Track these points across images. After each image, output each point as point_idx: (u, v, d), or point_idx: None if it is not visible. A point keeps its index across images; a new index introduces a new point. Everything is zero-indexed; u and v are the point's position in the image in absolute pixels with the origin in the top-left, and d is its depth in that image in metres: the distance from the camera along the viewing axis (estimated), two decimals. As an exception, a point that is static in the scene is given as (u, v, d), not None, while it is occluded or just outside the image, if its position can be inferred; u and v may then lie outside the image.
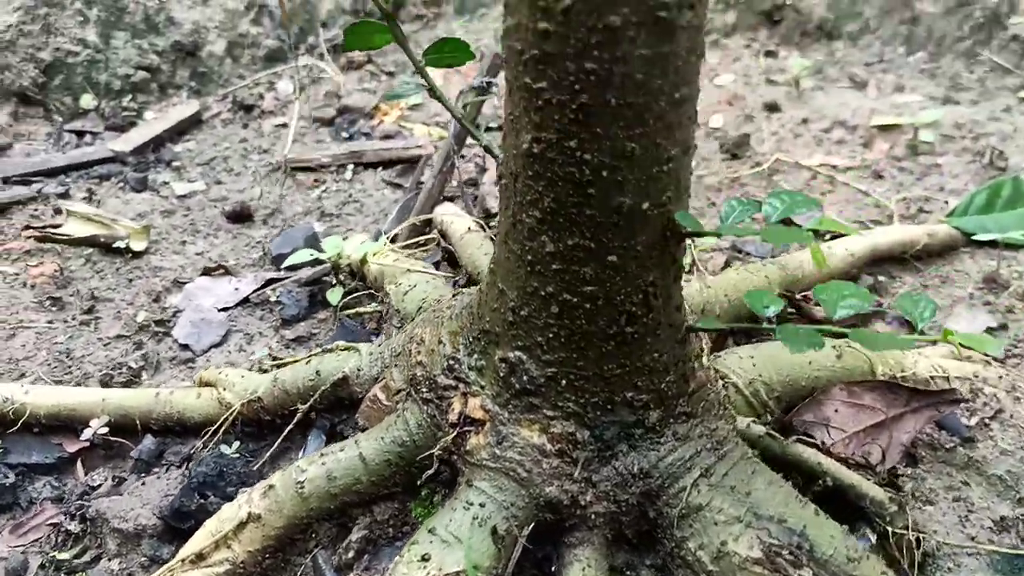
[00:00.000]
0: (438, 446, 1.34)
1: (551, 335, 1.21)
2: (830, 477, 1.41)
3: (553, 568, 1.31)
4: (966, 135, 2.76)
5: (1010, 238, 2.13)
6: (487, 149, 1.31)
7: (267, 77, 3.26)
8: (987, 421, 1.64)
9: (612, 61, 0.98)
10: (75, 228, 2.30)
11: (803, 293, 1.91)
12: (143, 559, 1.44)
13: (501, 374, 1.29)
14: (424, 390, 1.38)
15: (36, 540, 1.48)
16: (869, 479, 1.43)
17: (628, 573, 1.33)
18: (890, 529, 1.38)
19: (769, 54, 3.49)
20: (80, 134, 2.91)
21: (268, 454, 1.58)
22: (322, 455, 1.39)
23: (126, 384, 1.79)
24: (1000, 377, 1.76)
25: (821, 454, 1.43)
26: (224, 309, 2.06)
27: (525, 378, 1.26)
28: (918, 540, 1.39)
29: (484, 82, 2.20)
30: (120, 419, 1.61)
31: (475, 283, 1.87)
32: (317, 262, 2.08)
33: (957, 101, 3.00)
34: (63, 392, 1.62)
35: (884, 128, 2.84)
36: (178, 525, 1.44)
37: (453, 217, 2.12)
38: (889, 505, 1.39)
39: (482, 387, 1.32)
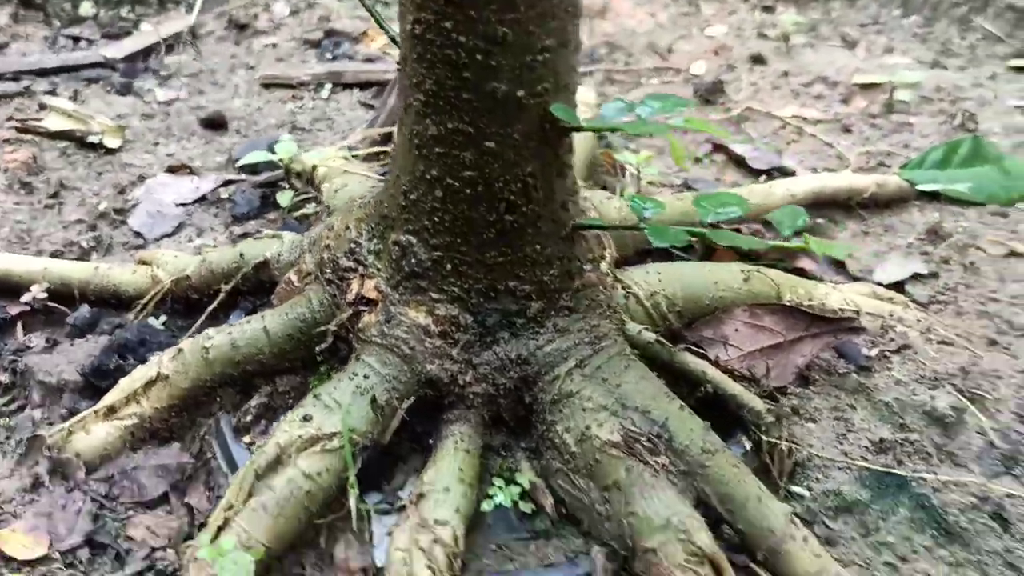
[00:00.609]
0: (333, 322, 1.42)
1: (436, 219, 1.28)
2: (712, 385, 1.46)
3: (432, 440, 1.38)
4: (944, 98, 2.76)
5: (951, 190, 2.15)
6: (392, 39, 1.37)
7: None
8: (888, 354, 1.69)
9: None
10: (54, 122, 2.39)
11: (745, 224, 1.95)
12: (63, 411, 1.54)
13: (394, 257, 1.36)
14: (328, 271, 1.46)
15: (-33, 392, 1.58)
16: (751, 391, 1.49)
17: (504, 453, 1.41)
18: (765, 438, 1.44)
19: (767, 9, 3.49)
20: (76, 40, 3.00)
21: (192, 329, 1.66)
22: (230, 326, 1.48)
23: (76, 259, 1.89)
24: (918, 320, 1.80)
25: (707, 364, 1.49)
26: (182, 205, 2.14)
27: (414, 261, 1.33)
28: (790, 450, 1.45)
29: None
30: (60, 288, 1.70)
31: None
32: (273, 166, 2.15)
33: (945, 66, 2.99)
34: (9, 259, 1.72)
35: (865, 86, 2.84)
36: (97, 382, 1.54)
37: (409, 133, 2.18)
38: (766, 416, 1.45)
39: (378, 270, 1.40)
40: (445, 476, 1.29)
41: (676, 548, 1.20)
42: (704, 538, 1.22)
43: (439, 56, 1.13)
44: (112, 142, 2.36)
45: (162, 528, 1.36)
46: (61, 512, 1.38)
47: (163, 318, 1.69)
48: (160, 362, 1.46)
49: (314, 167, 2.05)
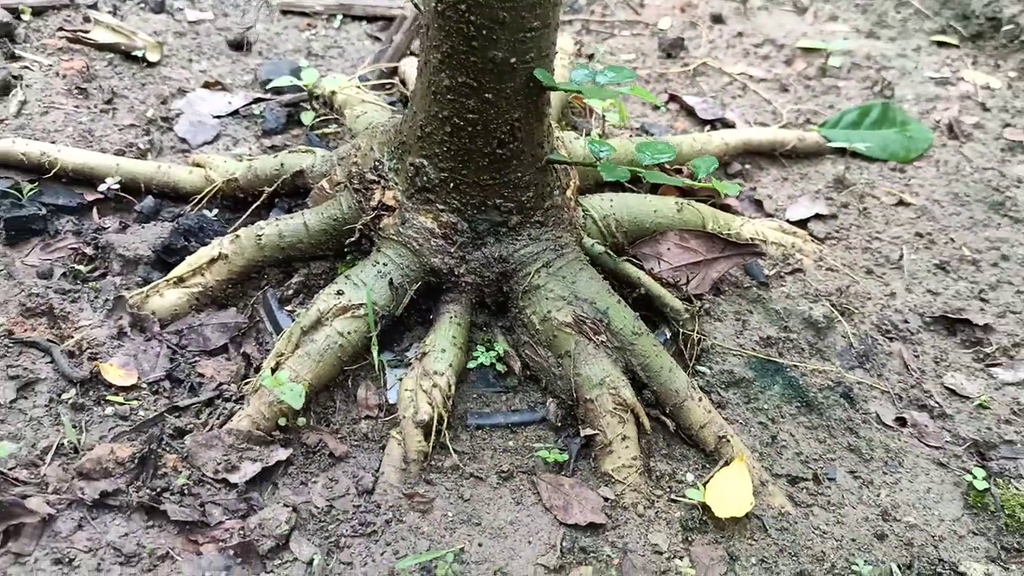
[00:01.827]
0: (360, 222, 1.85)
1: (445, 148, 1.70)
2: (645, 288, 1.93)
3: (432, 316, 1.84)
4: (872, 66, 3.19)
5: (857, 147, 2.61)
6: (415, 5, 1.76)
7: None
8: (784, 275, 2.16)
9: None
10: (101, 35, 2.74)
11: (676, 166, 2.40)
12: (138, 279, 1.96)
13: (409, 175, 1.78)
14: (356, 182, 1.88)
15: (60, 258, 1.99)
16: (674, 295, 1.96)
17: (485, 329, 1.87)
18: (681, 331, 1.92)
19: (733, -30, 3.87)
20: (108, -45, 3.30)
21: (240, 221, 2.09)
22: (277, 220, 1.90)
23: (138, 157, 2.28)
24: (813, 251, 2.28)
25: (642, 272, 1.95)
26: (218, 117, 2.53)
27: (425, 178, 1.76)
28: (699, 340, 1.92)
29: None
30: (129, 181, 2.10)
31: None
32: (296, 88, 2.54)
33: (878, 36, 3.41)
34: (87, 154, 2.11)
35: (806, 50, 3.27)
36: (166, 258, 1.96)
37: (413, 69, 2.58)
38: (683, 313, 1.92)
39: (396, 183, 1.82)
40: (442, 340, 1.75)
41: (607, 399, 1.68)
42: (628, 394, 1.70)
43: (455, 29, 1.53)
44: (153, 56, 2.72)
45: (224, 369, 1.80)
46: (143, 355, 1.81)
47: (215, 211, 2.10)
48: (221, 244, 1.89)
49: (332, 92, 2.44)
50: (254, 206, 2.08)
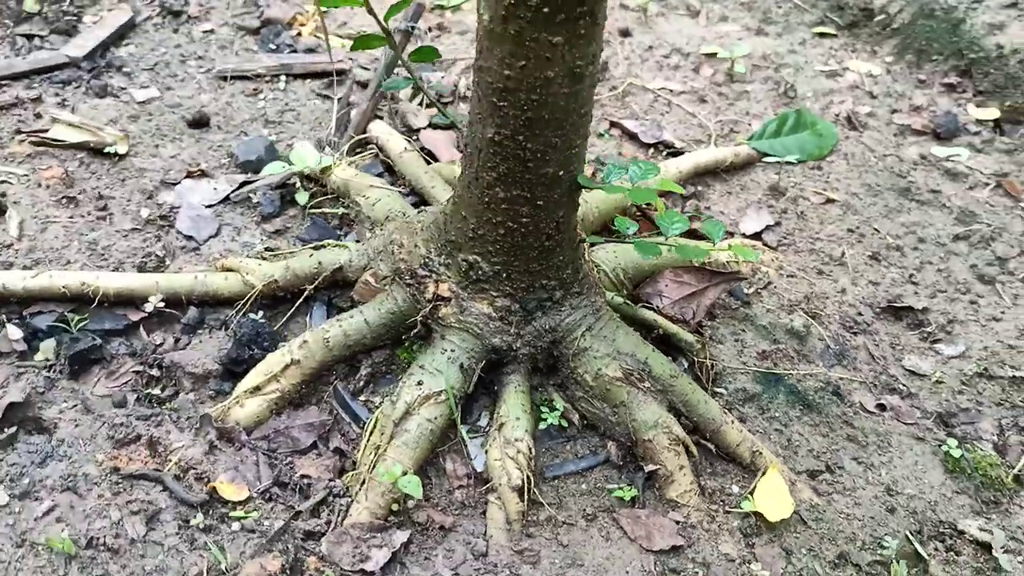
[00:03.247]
0: (420, 314, 2.06)
1: (498, 246, 1.94)
2: (661, 328, 2.24)
3: (496, 388, 2.09)
4: (769, 65, 3.58)
5: (780, 154, 2.99)
6: (455, 126, 1.97)
7: (188, -19, 3.64)
8: (760, 291, 2.52)
9: (547, 94, 1.66)
10: (64, 134, 2.76)
11: (647, 204, 2.70)
12: (211, 392, 2.11)
13: (463, 269, 2.01)
14: (407, 278, 2.09)
15: (127, 383, 2.11)
16: (685, 329, 2.28)
17: (540, 389, 2.14)
18: (696, 359, 2.25)
19: (622, -23, 4.16)
20: (30, 37, 3.25)
21: (284, 319, 2.25)
22: (338, 320, 2.09)
23: (156, 268, 2.38)
24: (773, 260, 2.64)
25: (657, 314, 2.26)
26: (210, 206, 2.64)
27: (480, 272, 1.99)
28: (712, 365, 2.26)
29: (408, 26, 2.78)
30: (170, 296, 2.22)
31: (417, 194, 2.55)
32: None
33: (766, 33, 3.81)
34: (126, 277, 2.20)
35: (709, 56, 3.62)
36: (234, 369, 2.11)
37: (388, 135, 2.76)
38: (696, 345, 2.25)
39: (448, 276, 2.05)
40: (514, 409, 2.01)
41: (663, 438, 2.00)
42: (678, 430, 2.02)
43: (511, 153, 1.76)
44: (122, 148, 2.77)
45: (321, 466, 2.00)
46: (243, 466, 1.99)
47: (260, 312, 2.26)
48: (291, 350, 2.06)
49: (323, 171, 2.59)
50: (297, 303, 2.24)
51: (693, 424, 2.08)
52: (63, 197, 2.58)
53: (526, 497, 1.93)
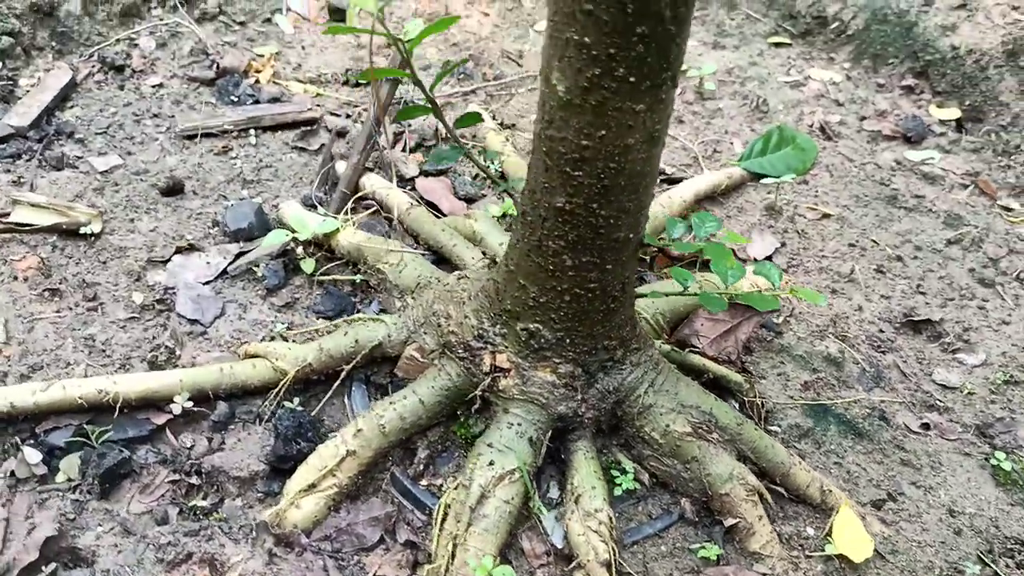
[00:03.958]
0: (479, 388, 1.97)
1: (562, 314, 1.86)
2: (710, 372, 2.21)
3: (563, 456, 2.01)
4: (735, 80, 3.60)
5: (769, 172, 2.99)
6: (509, 193, 1.88)
7: (127, 34, 3.40)
8: (788, 319, 2.52)
9: (626, 161, 1.60)
10: (30, 216, 2.53)
11: (661, 236, 2.66)
12: (259, 495, 1.96)
13: (522, 338, 1.92)
14: (460, 351, 1.99)
15: (163, 495, 1.94)
16: (731, 369, 2.25)
17: (604, 451, 2.07)
18: (745, 399, 2.22)
19: None
20: (-35, 108, 2.98)
21: (321, 404, 2.12)
22: (391, 403, 1.97)
23: (168, 361, 2.21)
24: (786, 282, 2.64)
25: (704, 358, 2.22)
26: (207, 283, 2.46)
27: (542, 340, 1.91)
28: (762, 403, 2.24)
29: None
30: (195, 393, 2.06)
31: (434, 252, 2.43)
32: (263, 231, 2.54)
33: (724, 46, 3.83)
34: (147, 377, 2.03)
35: (675, 73, 3.61)
36: (281, 467, 1.97)
37: (387, 190, 2.64)
38: (744, 384, 2.22)
39: (506, 347, 1.96)
40: (588, 478, 1.94)
41: (739, 489, 1.96)
42: (752, 479, 1.98)
43: (583, 221, 1.69)
44: (96, 227, 2.56)
45: (395, 563, 1.88)
46: (310, 573, 1.85)
47: (296, 400, 2.11)
48: (345, 441, 1.94)
49: (327, 235, 2.45)
50: (334, 385, 2.11)
51: (761, 470, 2.05)
52: (44, 289, 2.36)
53: (614, 570, 1.86)
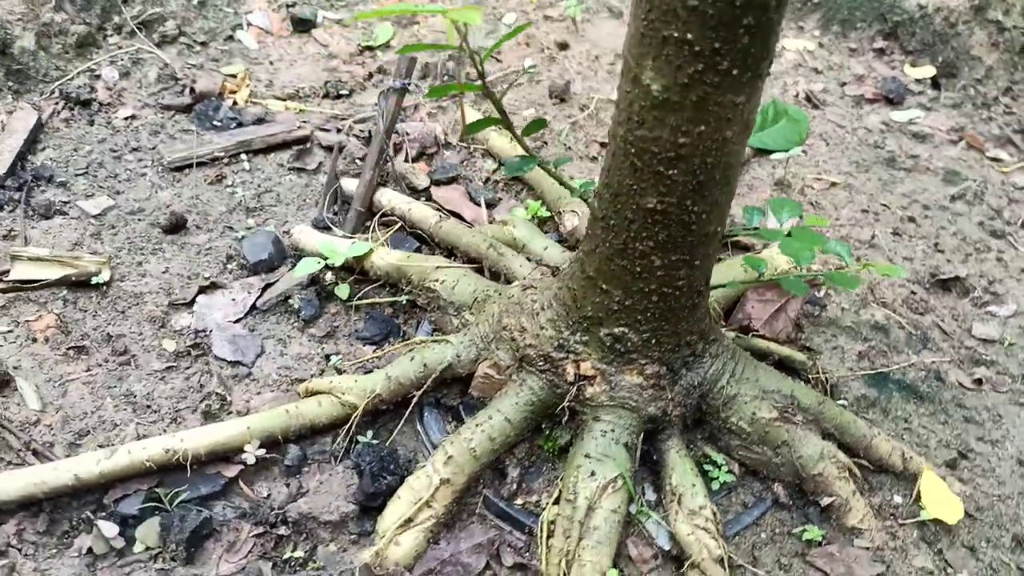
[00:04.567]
0: (566, 399, 1.92)
1: (649, 314, 1.82)
2: (774, 354, 2.20)
3: (655, 457, 1.98)
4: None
5: (768, 146, 3.01)
6: (586, 200, 1.83)
7: (87, 66, 3.20)
8: (829, 292, 2.53)
9: (723, 154, 1.56)
10: (33, 271, 2.36)
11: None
12: (351, 537, 1.88)
13: (607, 343, 1.88)
14: (540, 363, 1.94)
15: (251, 551, 1.84)
16: (793, 349, 2.25)
17: (691, 446, 2.04)
18: (810, 376, 2.22)
19: (532, -13, 4.06)
20: (-70, 162, 2.76)
21: (393, 433, 2.04)
22: (477, 425, 1.91)
23: (220, 408, 2.09)
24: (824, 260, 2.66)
25: (767, 341, 2.22)
26: (237, 321, 2.35)
27: (628, 344, 1.87)
28: (826, 379, 2.24)
29: (403, 84, 2.58)
30: (264, 439, 1.95)
31: (475, 263, 2.35)
32: (280, 259, 2.44)
33: (693, 24, 3.82)
34: (213, 430, 1.91)
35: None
36: (370, 504, 1.89)
37: (408, 204, 2.55)
38: (807, 362, 2.22)
39: (589, 354, 1.91)
40: (687, 477, 1.91)
41: (832, 468, 1.96)
42: (842, 456, 1.99)
43: (676, 219, 1.65)
44: (106, 275, 2.41)
45: (505, 587, 1.83)
46: (421, 608, 1.78)
47: (369, 434, 2.03)
48: (436, 470, 1.86)
49: (359, 258, 2.36)
50: (406, 414, 2.04)
51: (844, 445, 2.06)
52: (68, 348, 2.21)
53: (726, 565, 1.84)
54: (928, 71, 3.52)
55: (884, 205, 2.92)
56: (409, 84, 2.60)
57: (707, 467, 2.02)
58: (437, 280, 2.22)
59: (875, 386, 2.27)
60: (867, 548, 1.94)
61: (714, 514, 1.87)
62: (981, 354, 2.42)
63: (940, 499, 2.01)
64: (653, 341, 1.87)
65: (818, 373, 2.23)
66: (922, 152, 3.17)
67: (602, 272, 1.81)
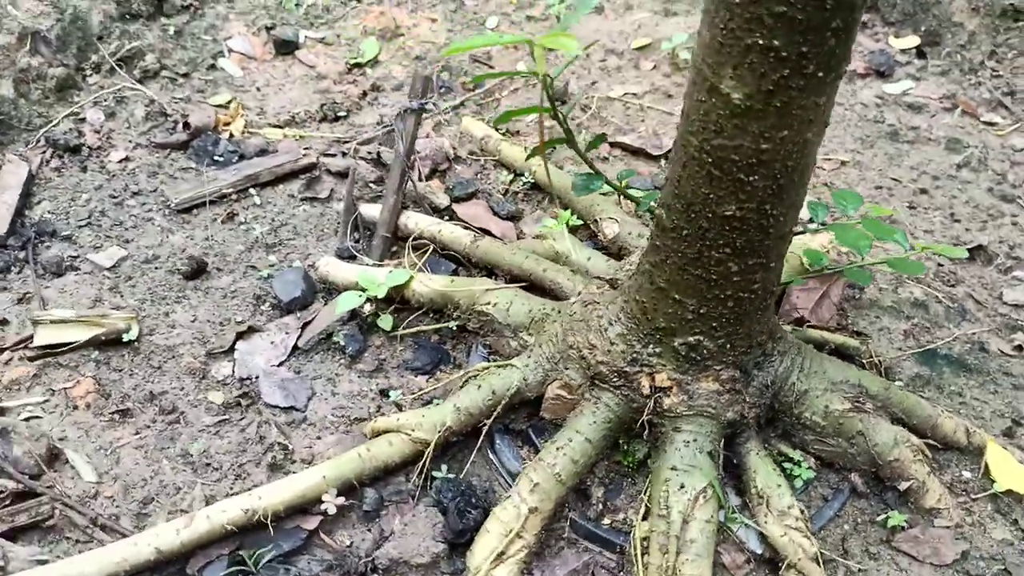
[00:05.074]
0: (645, 412, 1.90)
1: (723, 320, 1.81)
2: (829, 343, 2.21)
3: (735, 461, 1.97)
4: (699, 45, 3.60)
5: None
6: (651, 212, 1.80)
7: (70, 111, 3.08)
8: (860, 272, 2.55)
9: (803, 155, 1.55)
10: (57, 335, 2.27)
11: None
12: (446, 574, 1.84)
13: (682, 353, 1.86)
14: (614, 379, 1.91)
15: (344, 603, 1.79)
16: (845, 336, 2.26)
17: (766, 444, 2.04)
18: (865, 360, 2.24)
19: (508, -11, 4.02)
20: (-75, 229, 2.63)
21: (467, 464, 2.00)
22: (558, 448, 1.88)
23: (285, 458, 2.03)
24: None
25: (820, 330, 2.23)
26: (279, 364, 2.28)
27: (704, 351, 1.85)
28: (880, 362, 2.26)
29: (421, 104, 2.53)
30: (341, 485, 1.90)
31: (517, 281, 2.32)
32: (311, 295, 2.39)
33: (676, 13, 3.83)
34: (289, 483, 1.86)
35: (641, 49, 3.59)
36: (458, 541, 1.85)
37: (438, 225, 2.51)
38: (860, 347, 2.24)
39: (664, 365, 1.89)
40: (770, 477, 1.91)
41: (907, 452, 1.97)
42: (914, 439, 2.00)
43: (755, 224, 1.64)
44: (135, 331, 2.32)
45: (608, 610, 1.81)
46: (527, 642, 1.75)
47: (444, 467, 1.99)
48: (523, 499, 1.83)
49: (398, 288, 2.31)
50: (478, 442, 2.00)
51: (911, 427, 2.08)
52: (112, 413, 2.13)
53: (820, 562, 1.85)
54: (912, 41, 3.56)
55: (895, 180, 2.95)
56: (426, 103, 2.55)
57: (786, 465, 2.02)
58: (488, 303, 2.18)
59: (926, 363, 2.30)
60: (948, 527, 1.95)
61: (802, 512, 1.88)
62: (1015, 320, 2.46)
63: (1008, 470, 2.04)
64: (728, 346, 1.86)
65: (871, 357, 2.25)
66: (921, 123, 3.21)
67: (674, 283, 1.79)
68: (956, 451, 2.11)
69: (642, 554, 1.84)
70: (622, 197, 2.62)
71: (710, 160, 1.58)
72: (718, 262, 1.71)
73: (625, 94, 3.34)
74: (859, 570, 1.89)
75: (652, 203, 1.82)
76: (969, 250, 2.66)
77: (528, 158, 2.03)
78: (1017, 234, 2.74)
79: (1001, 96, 3.33)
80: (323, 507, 1.87)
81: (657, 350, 1.89)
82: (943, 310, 2.47)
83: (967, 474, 2.07)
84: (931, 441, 2.08)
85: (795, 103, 1.46)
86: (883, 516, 1.97)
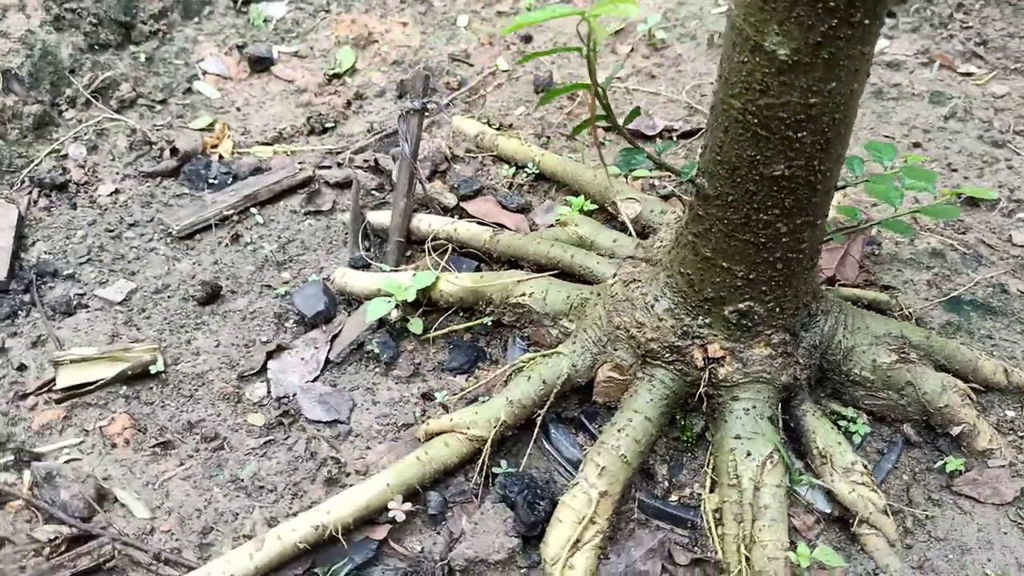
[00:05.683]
0: (701, 385, 1.89)
1: (773, 283, 1.81)
2: (861, 299, 2.23)
3: (792, 424, 1.97)
4: (675, 23, 3.64)
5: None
6: (692, 182, 1.80)
7: (51, 148, 2.99)
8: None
9: (849, 107, 1.56)
10: (81, 375, 2.20)
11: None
12: (523, 570, 1.82)
13: (732, 321, 1.86)
14: (666, 355, 1.91)
15: (426, 609, 1.76)
16: (875, 291, 2.29)
17: (818, 404, 2.05)
18: (896, 313, 2.26)
19: (473, -13, 4.00)
20: (-79, 281, 2.52)
21: (525, 457, 1.98)
22: (619, 429, 1.87)
23: (340, 472, 1.99)
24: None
25: (851, 288, 2.25)
26: (314, 380, 2.24)
27: (755, 317, 1.86)
28: (910, 314, 2.29)
29: (423, 103, 2.50)
30: (405, 491, 1.87)
31: (547, 270, 2.29)
32: (332, 306, 2.36)
33: (644, -4, 3.84)
34: (354, 495, 1.82)
35: (616, 34, 3.60)
36: (530, 533, 1.83)
37: (453, 224, 2.48)
38: (891, 301, 2.26)
39: (715, 335, 1.89)
40: (829, 436, 1.92)
41: (955, 398, 2.00)
42: (960, 383, 2.03)
43: (803, 182, 1.64)
44: (160, 363, 2.26)
45: (690, 585, 1.80)
46: (616, 626, 1.74)
47: (503, 463, 1.96)
48: (592, 484, 1.82)
49: (426, 290, 2.28)
50: (535, 433, 1.98)
51: (955, 372, 2.10)
52: (152, 447, 2.07)
53: (889, 514, 1.86)
54: (880, 2, 3.61)
55: (888, 136, 2.99)
56: (428, 102, 2.52)
57: (840, 423, 2.03)
58: (523, 294, 2.16)
59: (953, 310, 2.33)
60: (1003, 466, 1.98)
61: (865, 467, 1.89)
62: (1028, 260, 2.51)
63: (1054, 404, 2.08)
64: (777, 309, 1.87)
65: (902, 309, 2.27)
66: (902, 80, 3.27)
67: (721, 250, 1.79)
68: (997, 392, 2.14)
69: (716, 525, 1.84)
70: (631, 176, 2.63)
71: (756, 121, 1.58)
72: (766, 224, 1.71)
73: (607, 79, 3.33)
74: (926, 517, 1.90)
75: (692, 172, 1.81)
76: (970, 198, 2.71)
77: (573, 134, 2.00)
78: (1015, 177, 2.80)
79: (974, 47, 3.40)
80: (391, 515, 1.84)
81: (707, 320, 1.89)
82: (959, 257, 2.51)
83: (1011, 413, 2.10)
84: (974, 384, 2.11)
85: (842, 53, 1.46)
86: (940, 463, 1.99)
